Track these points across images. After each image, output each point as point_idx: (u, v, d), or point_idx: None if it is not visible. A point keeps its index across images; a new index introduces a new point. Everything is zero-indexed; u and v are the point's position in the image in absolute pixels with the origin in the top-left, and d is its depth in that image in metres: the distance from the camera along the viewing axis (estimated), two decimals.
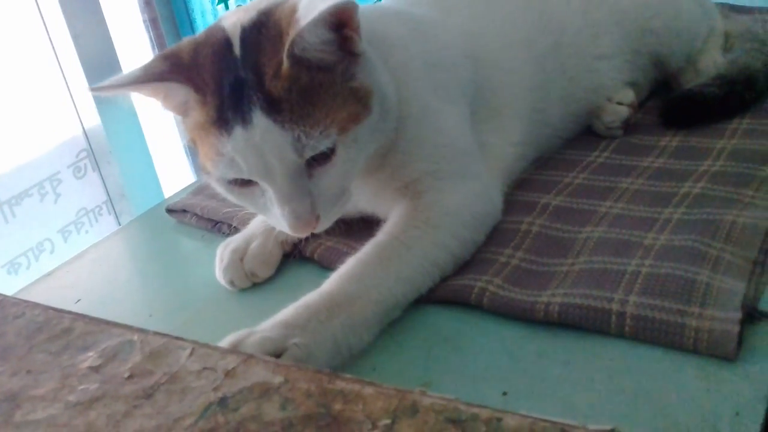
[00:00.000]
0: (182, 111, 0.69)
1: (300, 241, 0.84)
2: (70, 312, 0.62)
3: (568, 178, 0.87)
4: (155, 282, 0.88)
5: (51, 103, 1.26)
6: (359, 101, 0.67)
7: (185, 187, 1.10)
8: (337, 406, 0.48)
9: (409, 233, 0.72)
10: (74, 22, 1.21)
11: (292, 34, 0.62)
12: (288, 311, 0.65)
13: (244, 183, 0.67)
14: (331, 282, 0.68)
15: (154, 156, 1.38)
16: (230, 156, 0.64)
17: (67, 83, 1.25)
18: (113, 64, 1.29)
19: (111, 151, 1.29)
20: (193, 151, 1.51)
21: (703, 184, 0.80)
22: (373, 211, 0.80)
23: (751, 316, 0.61)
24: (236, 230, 0.89)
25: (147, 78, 0.66)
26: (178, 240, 0.96)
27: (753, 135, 0.89)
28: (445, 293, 0.70)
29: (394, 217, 0.75)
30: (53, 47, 1.23)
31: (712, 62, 1.03)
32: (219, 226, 0.93)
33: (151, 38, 1.40)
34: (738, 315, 0.59)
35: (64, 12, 1.19)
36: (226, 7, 1.57)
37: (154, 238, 1.00)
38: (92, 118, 1.27)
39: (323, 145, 0.64)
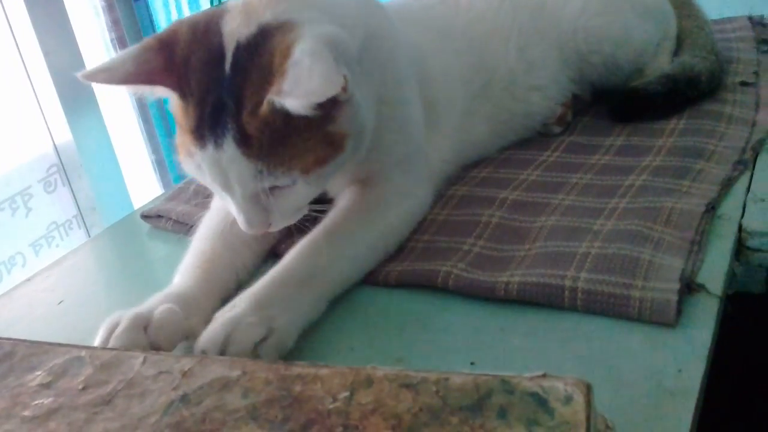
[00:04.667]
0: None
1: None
2: (8, 338, 0.62)
3: (524, 176, 0.94)
4: (135, 282, 0.91)
5: (22, 119, 1.29)
6: (332, 144, 0.68)
7: (157, 197, 1.14)
8: (297, 388, 0.50)
9: (362, 217, 0.77)
10: (46, 40, 1.24)
11: (275, 90, 0.62)
12: (259, 290, 0.68)
13: None
14: (291, 260, 0.72)
15: (123, 170, 1.41)
16: (198, 163, 0.69)
17: (38, 99, 1.28)
18: (84, 83, 1.33)
19: (82, 166, 1.32)
20: (162, 166, 1.54)
21: (645, 177, 0.88)
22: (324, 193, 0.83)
23: (689, 287, 0.68)
24: None
25: (138, 78, 0.68)
26: (154, 244, 1.00)
27: (688, 133, 0.98)
28: (413, 278, 0.75)
29: (345, 201, 0.79)
30: (24, 65, 1.26)
31: (660, 71, 1.09)
32: (194, 229, 0.96)
33: None
34: (676, 286, 0.66)
35: (36, 30, 1.22)
36: None
37: (131, 244, 1.03)
38: (63, 133, 1.30)
39: (282, 182, 0.68)
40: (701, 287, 0.68)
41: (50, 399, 0.53)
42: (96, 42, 1.42)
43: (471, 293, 0.72)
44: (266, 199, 0.69)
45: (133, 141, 1.50)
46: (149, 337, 0.65)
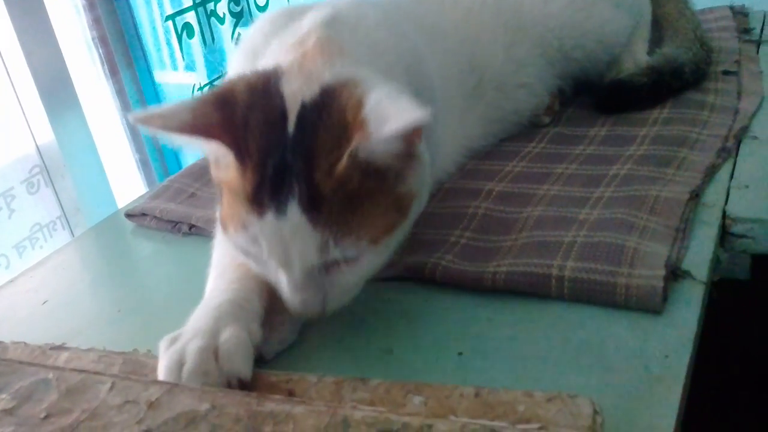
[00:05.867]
0: (216, 159, 0.66)
1: None
2: None
3: (509, 167, 0.94)
4: (120, 281, 0.91)
5: (3, 119, 1.27)
6: (399, 209, 0.65)
7: (140, 196, 1.13)
8: (267, 429, 0.47)
9: None
10: (26, 39, 1.23)
11: (359, 137, 0.59)
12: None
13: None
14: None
15: (107, 169, 1.40)
16: (254, 235, 0.62)
17: (19, 100, 1.27)
18: (65, 82, 1.31)
19: (65, 166, 1.30)
20: (146, 165, 1.52)
21: (629, 166, 0.88)
22: None
23: (675, 274, 0.68)
24: (196, 229, 0.93)
25: (195, 129, 0.62)
26: (138, 242, 0.99)
27: (671, 122, 0.98)
28: (400, 270, 0.75)
29: None
30: (5, 64, 1.24)
31: (633, 62, 1.11)
32: (179, 226, 0.96)
33: (100, 55, 1.43)
34: (662, 272, 0.66)
35: (16, 29, 1.20)
36: (174, 25, 1.60)
37: (115, 243, 1.02)
38: (45, 134, 1.29)
39: (348, 255, 0.62)
40: (687, 274, 0.69)
41: (10, 429, 0.51)
42: (77, 40, 1.41)
43: (458, 284, 0.72)
44: (325, 276, 0.63)
45: (116, 140, 1.49)
46: (221, 369, 0.58)
